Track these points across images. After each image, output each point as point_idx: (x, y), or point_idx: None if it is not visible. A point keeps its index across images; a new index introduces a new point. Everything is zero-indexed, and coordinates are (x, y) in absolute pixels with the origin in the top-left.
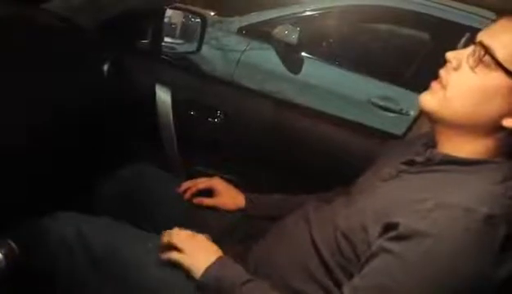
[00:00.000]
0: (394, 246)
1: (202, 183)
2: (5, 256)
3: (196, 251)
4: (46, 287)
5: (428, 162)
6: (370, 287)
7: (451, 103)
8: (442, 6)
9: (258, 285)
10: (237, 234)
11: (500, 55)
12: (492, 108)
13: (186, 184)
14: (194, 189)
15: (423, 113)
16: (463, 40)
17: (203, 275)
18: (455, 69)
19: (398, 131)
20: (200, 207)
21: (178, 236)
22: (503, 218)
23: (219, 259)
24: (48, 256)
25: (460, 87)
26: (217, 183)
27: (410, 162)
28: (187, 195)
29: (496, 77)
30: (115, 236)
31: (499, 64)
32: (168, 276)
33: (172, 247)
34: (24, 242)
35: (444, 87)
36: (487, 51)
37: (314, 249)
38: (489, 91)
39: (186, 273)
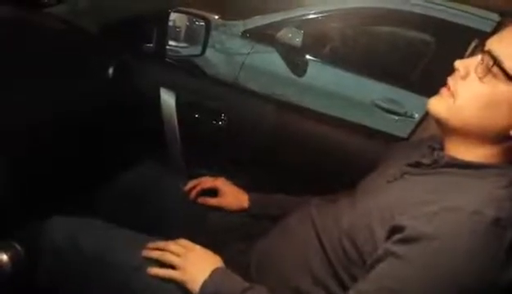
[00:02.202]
0: (400, 249)
1: (207, 182)
2: (10, 258)
3: (192, 266)
4: (46, 290)
5: (435, 164)
6: (378, 291)
7: (459, 112)
8: (445, 8)
9: (256, 293)
10: (241, 234)
11: (509, 65)
12: (501, 118)
13: (191, 184)
14: (199, 189)
15: (431, 118)
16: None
17: (200, 292)
18: (463, 77)
19: (403, 133)
20: (205, 206)
21: (172, 251)
22: (509, 221)
23: (215, 271)
24: (43, 261)
25: (468, 97)
26: (221, 183)
27: (416, 164)
28: (192, 194)
29: (505, 88)
30: (108, 238)
31: (507, 76)
32: (161, 280)
33: (166, 264)
34: (27, 245)
35: (453, 95)
36: (496, 61)
37: (318, 248)
38: (497, 101)
39: (183, 288)
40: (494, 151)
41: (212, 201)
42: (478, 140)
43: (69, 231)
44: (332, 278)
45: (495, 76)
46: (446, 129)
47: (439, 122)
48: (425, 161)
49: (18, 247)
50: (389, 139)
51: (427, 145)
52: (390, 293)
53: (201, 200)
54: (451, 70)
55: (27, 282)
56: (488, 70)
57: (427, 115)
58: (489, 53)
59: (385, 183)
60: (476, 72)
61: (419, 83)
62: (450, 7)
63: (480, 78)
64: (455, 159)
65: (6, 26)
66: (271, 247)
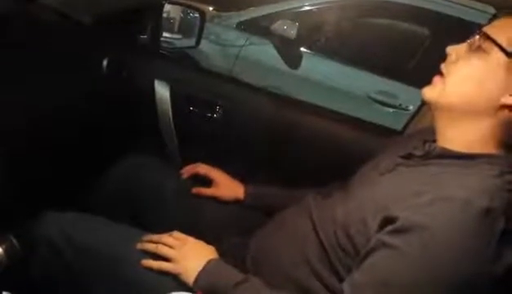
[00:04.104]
0: (393, 240)
1: (202, 168)
2: (5, 250)
3: (186, 258)
4: (46, 289)
5: (427, 155)
6: (371, 282)
7: (450, 89)
8: (441, 1)
9: (251, 285)
10: (236, 227)
11: (500, 40)
12: (491, 88)
13: (187, 169)
14: (192, 171)
15: (425, 111)
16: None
17: (194, 284)
18: (455, 62)
19: (397, 126)
20: (199, 199)
21: (166, 243)
22: (501, 211)
23: (209, 263)
24: (39, 255)
25: (458, 74)
26: (216, 173)
27: (408, 156)
28: (185, 175)
29: (494, 58)
30: (103, 233)
31: (497, 45)
32: (156, 273)
33: (160, 256)
34: (22, 238)
35: (444, 82)
36: (488, 37)
37: (315, 241)
38: (487, 71)
39: (179, 280)
40: (486, 134)
41: (206, 191)
42: (470, 121)
43: (65, 226)
44: (328, 269)
45: (485, 51)
46: (438, 111)
47: (432, 105)
48: (417, 153)
49: (13, 240)
50: (384, 131)
51: (420, 138)
52: (383, 284)
53: (196, 190)
54: (445, 57)
55: (22, 274)
56: (479, 47)
57: (421, 108)
58: (483, 34)
59: (378, 175)
60: (468, 52)
61: (414, 76)
62: (445, 0)
63: (470, 55)
64: (447, 150)
65: (1, 19)
66: (268, 241)
